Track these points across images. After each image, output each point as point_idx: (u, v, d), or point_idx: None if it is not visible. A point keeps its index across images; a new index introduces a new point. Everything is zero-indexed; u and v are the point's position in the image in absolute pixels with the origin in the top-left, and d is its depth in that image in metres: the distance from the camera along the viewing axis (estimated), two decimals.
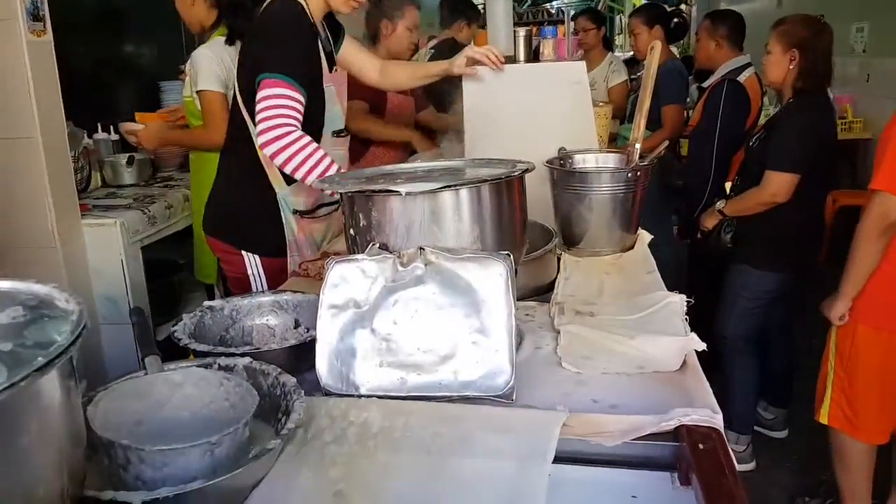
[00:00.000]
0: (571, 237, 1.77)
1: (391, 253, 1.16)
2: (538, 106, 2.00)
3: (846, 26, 4.73)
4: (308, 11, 1.79)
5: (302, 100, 1.68)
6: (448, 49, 3.45)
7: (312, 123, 1.81)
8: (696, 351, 1.20)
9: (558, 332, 1.30)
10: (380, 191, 1.16)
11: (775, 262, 2.53)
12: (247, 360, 1.09)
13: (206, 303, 1.32)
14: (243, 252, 1.93)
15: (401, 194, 1.13)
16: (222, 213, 1.99)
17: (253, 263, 1.93)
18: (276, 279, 1.91)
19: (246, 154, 1.85)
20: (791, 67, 2.43)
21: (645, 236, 1.81)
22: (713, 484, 0.83)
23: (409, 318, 1.12)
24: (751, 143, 2.58)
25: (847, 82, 4.74)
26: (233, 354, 1.11)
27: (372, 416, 1.04)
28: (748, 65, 3.08)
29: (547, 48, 2.07)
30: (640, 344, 1.22)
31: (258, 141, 1.66)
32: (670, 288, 1.45)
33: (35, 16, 2.18)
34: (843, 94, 4.65)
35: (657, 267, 1.66)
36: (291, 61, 1.68)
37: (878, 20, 4.58)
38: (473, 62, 1.93)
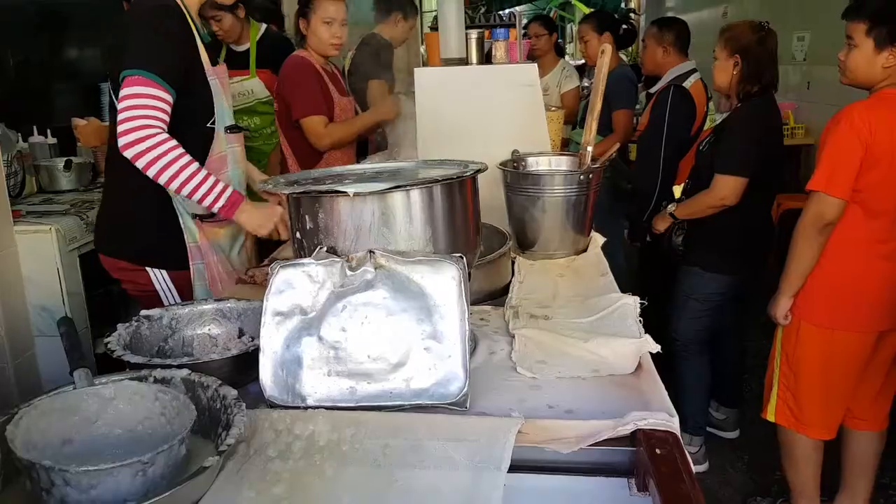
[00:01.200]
0: (525, 240, 1.75)
1: (339, 257, 1.11)
2: (491, 108, 1.98)
3: (787, 35, 4.89)
4: (182, 3, 1.67)
5: (170, 100, 1.56)
6: (372, 48, 3.32)
7: (202, 120, 1.72)
8: (651, 353, 1.19)
9: (513, 337, 1.28)
10: (327, 191, 1.11)
11: (725, 264, 2.57)
12: (185, 372, 1.03)
13: (144, 312, 1.25)
14: (147, 268, 1.79)
15: (349, 195, 1.08)
16: (115, 226, 1.84)
17: (160, 278, 1.80)
18: (188, 293, 1.79)
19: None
20: (735, 72, 2.47)
21: (598, 239, 1.81)
22: (671, 489, 0.81)
23: (359, 325, 1.07)
24: (700, 148, 2.62)
25: (789, 90, 4.89)
26: (169, 366, 1.05)
27: (319, 428, 0.99)
28: (693, 70, 3.14)
29: (499, 51, 2.05)
30: (595, 347, 1.20)
31: (119, 143, 1.52)
32: (623, 291, 1.44)
33: None
34: (785, 101, 4.79)
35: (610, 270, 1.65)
36: (159, 57, 1.55)
37: (818, 30, 4.74)
38: None
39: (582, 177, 1.68)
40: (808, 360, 2.11)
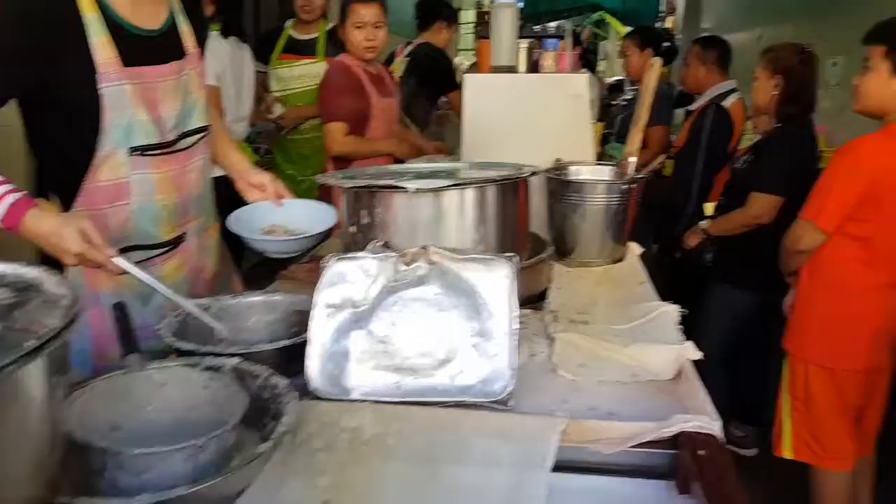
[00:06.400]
0: (564, 247, 1.76)
1: (394, 252, 1.13)
2: (537, 116, 2.00)
3: (822, 60, 4.86)
4: None
5: None
6: (424, 55, 3.38)
7: (79, 137, 1.30)
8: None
9: (552, 340, 1.28)
10: (387, 187, 1.13)
11: (754, 281, 2.56)
12: (235, 360, 1.03)
13: (195, 300, 1.27)
14: None
15: (408, 191, 1.10)
16: None
17: None
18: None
19: None
20: (775, 93, 2.48)
21: (635, 248, 1.81)
22: (715, 490, 0.81)
23: (409, 320, 1.09)
24: (737, 165, 2.62)
25: (821, 114, 4.86)
26: (220, 354, 1.06)
27: (365, 421, 1.00)
28: (734, 90, 3.14)
29: (548, 60, 2.08)
30: (635, 352, 1.21)
31: None
32: None
33: None
34: (818, 125, 4.76)
35: None
36: None
37: (852, 55, 4.71)
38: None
39: (624, 186, 1.69)
40: (824, 402, 2.03)
